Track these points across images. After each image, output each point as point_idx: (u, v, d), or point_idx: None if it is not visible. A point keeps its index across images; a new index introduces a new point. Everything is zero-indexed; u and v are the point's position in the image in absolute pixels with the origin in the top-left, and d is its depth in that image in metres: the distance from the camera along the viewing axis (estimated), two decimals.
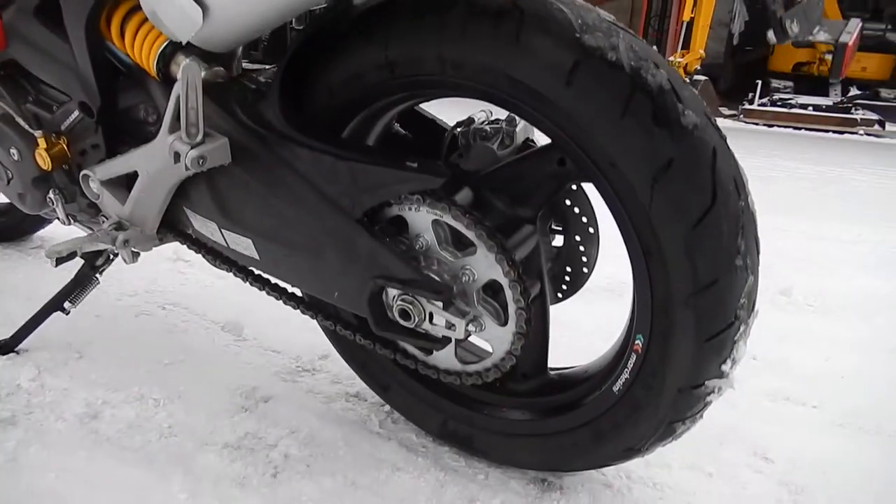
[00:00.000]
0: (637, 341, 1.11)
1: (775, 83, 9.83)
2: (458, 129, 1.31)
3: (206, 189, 1.29)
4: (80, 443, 1.42)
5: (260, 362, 1.82)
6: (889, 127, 9.39)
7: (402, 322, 1.16)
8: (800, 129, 8.47)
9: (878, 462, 1.55)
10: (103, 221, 1.49)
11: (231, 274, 1.49)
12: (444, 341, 1.18)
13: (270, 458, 1.41)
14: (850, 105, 9.70)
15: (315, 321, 1.41)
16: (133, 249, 1.53)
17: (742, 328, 1.04)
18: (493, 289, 1.17)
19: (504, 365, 1.19)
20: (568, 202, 1.30)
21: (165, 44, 1.31)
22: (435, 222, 1.14)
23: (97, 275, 1.75)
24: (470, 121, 1.32)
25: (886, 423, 1.70)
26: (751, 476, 1.46)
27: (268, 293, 1.44)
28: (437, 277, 1.14)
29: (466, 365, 1.26)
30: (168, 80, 1.35)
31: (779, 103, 8.87)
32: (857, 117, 9.45)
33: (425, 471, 1.39)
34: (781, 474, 1.47)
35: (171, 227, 1.49)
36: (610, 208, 1.06)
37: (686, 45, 7.38)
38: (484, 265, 1.12)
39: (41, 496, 1.27)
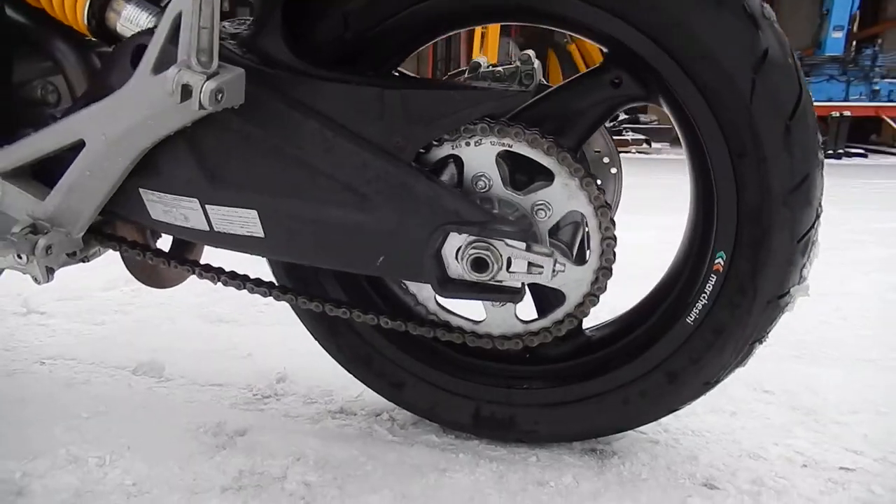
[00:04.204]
0: (718, 260, 1.06)
1: None
2: (463, 76, 1.19)
3: (185, 154, 1.02)
4: None
5: (204, 399, 1.49)
6: (654, 145, 10.81)
7: (476, 275, 1.00)
8: None
9: (845, 380, 1.66)
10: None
11: (193, 275, 1.21)
12: (522, 292, 1.03)
13: (288, 489, 1.13)
14: (621, 128, 11.01)
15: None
16: (47, 265, 1.17)
17: (818, 226, 1.04)
18: (558, 226, 1.06)
19: (584, 311, 1.08)
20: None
21: None
22: (499, 156, 1.00)
23: None
24: (475, 66, 1.21)
25: (831, 351, 1.84)
26: (765, 408, 1.48)
27: (250, 290, 1.18)
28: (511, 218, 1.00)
29: (530, 323, 1.12)
30: (105, 36, 1.08)
31: None
32: (629, 138, 10.75)
33: (474, 466, 1.21)
34: (788, 402, 1.51)
35: (105, 225, 1.18)
36: (684, 120, 1.01)
37: None
38: (563, 196, 1.01)
39: None
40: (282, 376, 1.58)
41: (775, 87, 0.94)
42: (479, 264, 0.99)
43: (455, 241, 1.00)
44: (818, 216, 1.02)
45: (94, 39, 1.19)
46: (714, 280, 1.07)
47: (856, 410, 1.47)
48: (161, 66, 0.91)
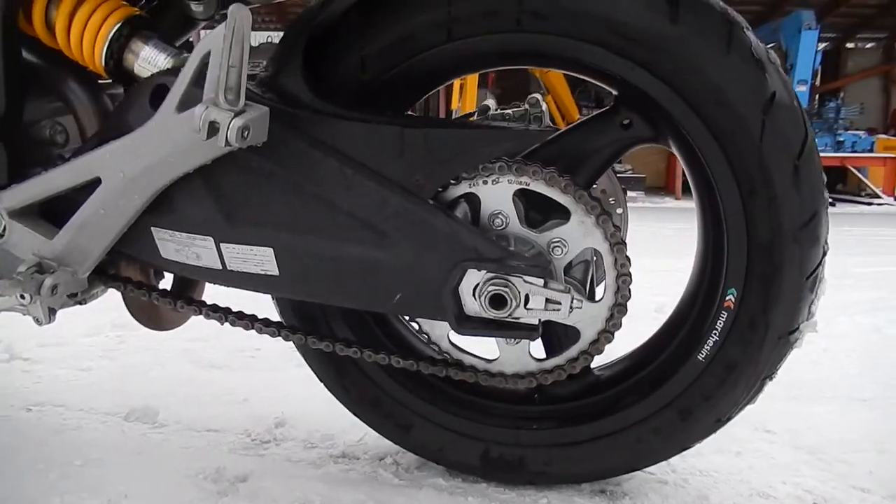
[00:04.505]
0: (728, 297, 1.07)
1: None
2: (473, 119, 1.22)
3: (202, 192, 1.02)
4: None
5: (201, 444, 1.45)
6: (630, 193, 11.05)
7: (493, 311, 1.00)
8: None
9: (843, 419, 1.67)
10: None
11: (200, 315, 1.19)
12: (539, 329, 1.04)
13: None
14: None
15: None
16: (50, 305, 1.15)
17: (825, 263, 1.07)
18: (570, 264, 1.07)
19: (598, 348, 1.08)
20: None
21: (116, 27, 1.06)
22: (516, 194, 1.02)
23: None
24: (484, 109, 1.24)
25: (826, 391, 1.86)
26: (769, 447, 1.48)
27: (259, 330, 1.17)
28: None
29: (543, 361, 1.11)
30: (121, 77, 1.08)
31: None
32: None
33: None
34: (790, 441, 1.51)
35: (110, 265, 1.17)
36: (694, 160, 1.04)
37: None
38: (579, 233, 1.02)
39: None
40: (280, 421, 1.55)
41: (784, 128, 0.97)
42: (498, 301, 0.99)
43: (473, 278, 1.00)
44: (825, 253, 1.05)
45: (105, 81, 1.20)
46: (725, 317, 1.08)
47: (858, 449, 1.47)
48: (185, 104, 0.92)
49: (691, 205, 1.17)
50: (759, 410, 1.64)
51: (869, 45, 15.76)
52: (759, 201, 1.00)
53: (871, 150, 10.47)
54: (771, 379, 1.13)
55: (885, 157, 10.35)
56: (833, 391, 1.84)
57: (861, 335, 2.42)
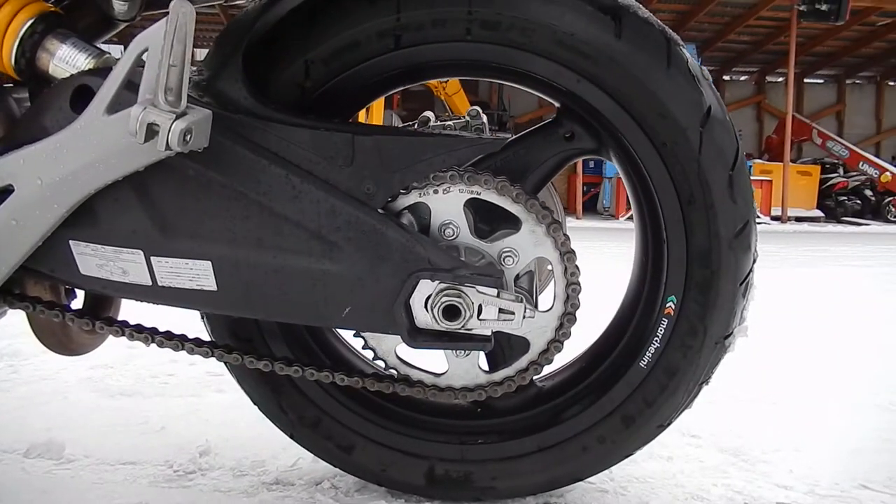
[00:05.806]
0: (669, 304, 1.11)
1: None
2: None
3: (132, 202, 0.94)
4: None
5: (117, 479, 1.34)
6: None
7: (446, 323, 0.98)
8: None
9: (759, 421, 1.76)
10: None
11: (122, 337, 1.10)
12: (491, 339, 1.02)
13: None
14: None
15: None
16: None
17: (755, 270, 1.12)
18: (517, 275, 1.07)
19: (548, 358, 1.08)
20: None
21: (29, 23, 0.98)
22: (467, 204, 1.01)
23: None
24: (424, 120, 1.23)
25: (739, 394, 1.96)
26: (697, 451, 1.54)
27: (189, 351, 1.09)
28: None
29: (493, 373, 1.10)
30: (33, 78, 1.00)
31: None
32: None
33: None
34: (714, 445, 1.58)
35: (15, 284, 1.06)
36: (635, 172, 1.07)
37: None
38: (530, 243, 1.02)
39: None
40: (204, 449, 1.45)
41: (719, 141, 1.02)
42: (451, 312, 0.97)
43: (425, 290, 0.98)
44: (755, 260, 1.10)
45: (9, 84, 1.10)
46: (665, 324, 1.11)
47: (777, 448, 1.56)
48: (116, 106, 0.85)
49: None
50: (683, 416, 1.71)
51: (743, 78, 17.17)
52: (698, 211, 1.04)
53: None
54: (707, 384, 1.17)
55: (762, 180, 11.25)
56: (745, 395, 1.94)
57: (763, 344, 2.57)
